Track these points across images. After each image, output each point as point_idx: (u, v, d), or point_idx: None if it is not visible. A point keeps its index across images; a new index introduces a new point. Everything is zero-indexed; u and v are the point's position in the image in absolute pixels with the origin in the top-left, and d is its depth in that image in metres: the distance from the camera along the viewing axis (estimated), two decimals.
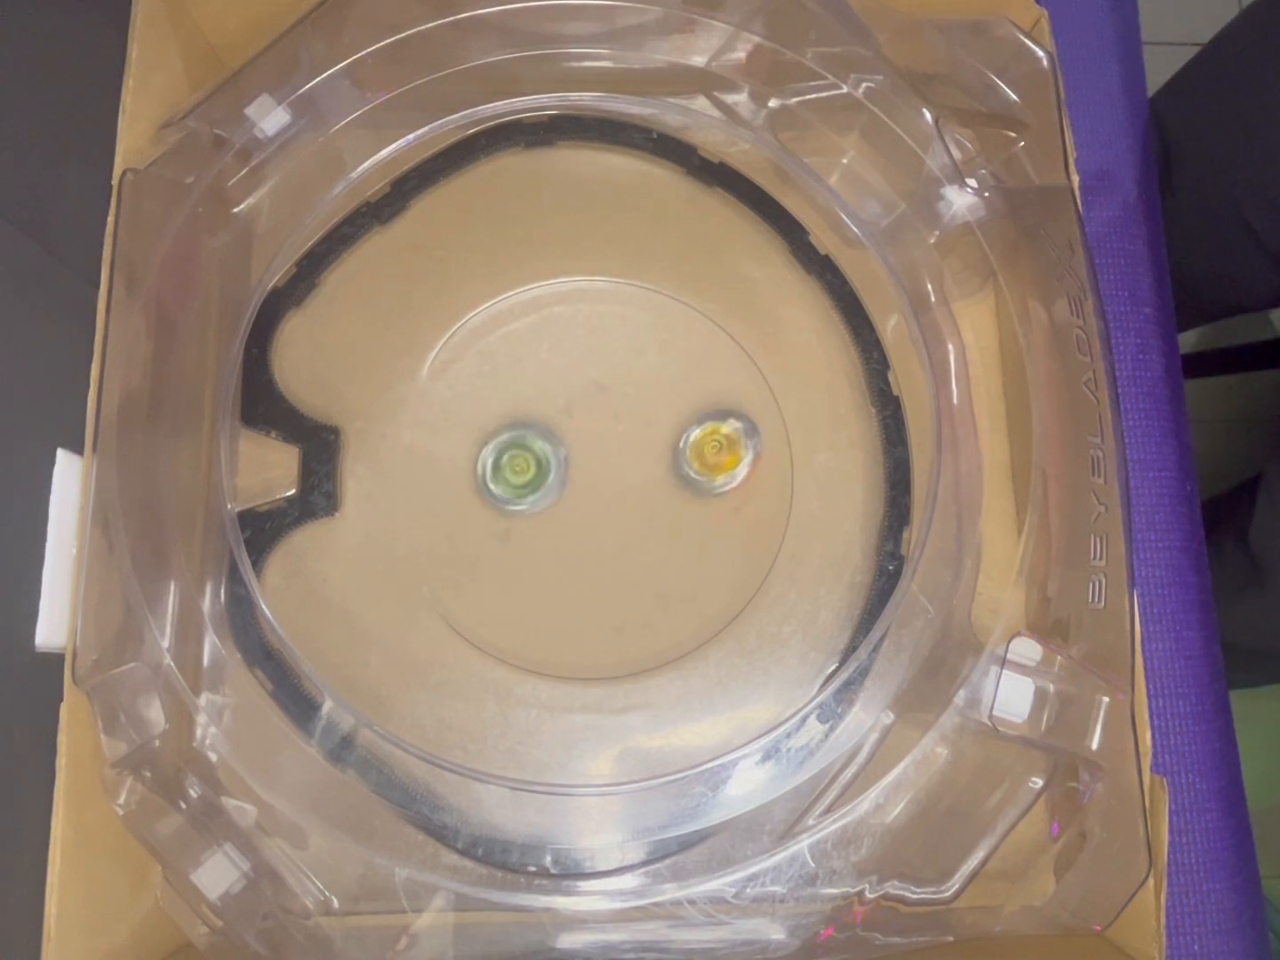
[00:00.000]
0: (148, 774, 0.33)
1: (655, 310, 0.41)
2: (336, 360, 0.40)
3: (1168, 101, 0.60)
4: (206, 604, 0.36)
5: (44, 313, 0.34)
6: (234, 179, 0.39)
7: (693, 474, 0.39)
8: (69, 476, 0.34)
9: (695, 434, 0.40)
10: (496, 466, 0.39)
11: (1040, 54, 0.39)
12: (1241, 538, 0.65)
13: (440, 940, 0.34)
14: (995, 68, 0.39)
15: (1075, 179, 0.38)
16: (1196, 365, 0.98)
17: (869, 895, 0.33)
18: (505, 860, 0.35)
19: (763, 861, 0.34)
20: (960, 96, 0.40)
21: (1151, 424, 0.44)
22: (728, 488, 0.40)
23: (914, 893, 0.33)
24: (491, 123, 0.41)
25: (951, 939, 0.33)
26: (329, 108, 0.39)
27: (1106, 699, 0.34)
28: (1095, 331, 0.36)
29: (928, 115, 0.38)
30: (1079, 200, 0.38)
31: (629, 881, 0.35)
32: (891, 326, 0.41)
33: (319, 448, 0.39)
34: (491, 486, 0.39)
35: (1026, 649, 0.34)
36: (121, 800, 0.32)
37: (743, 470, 0.39)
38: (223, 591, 0.37)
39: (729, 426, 0.40)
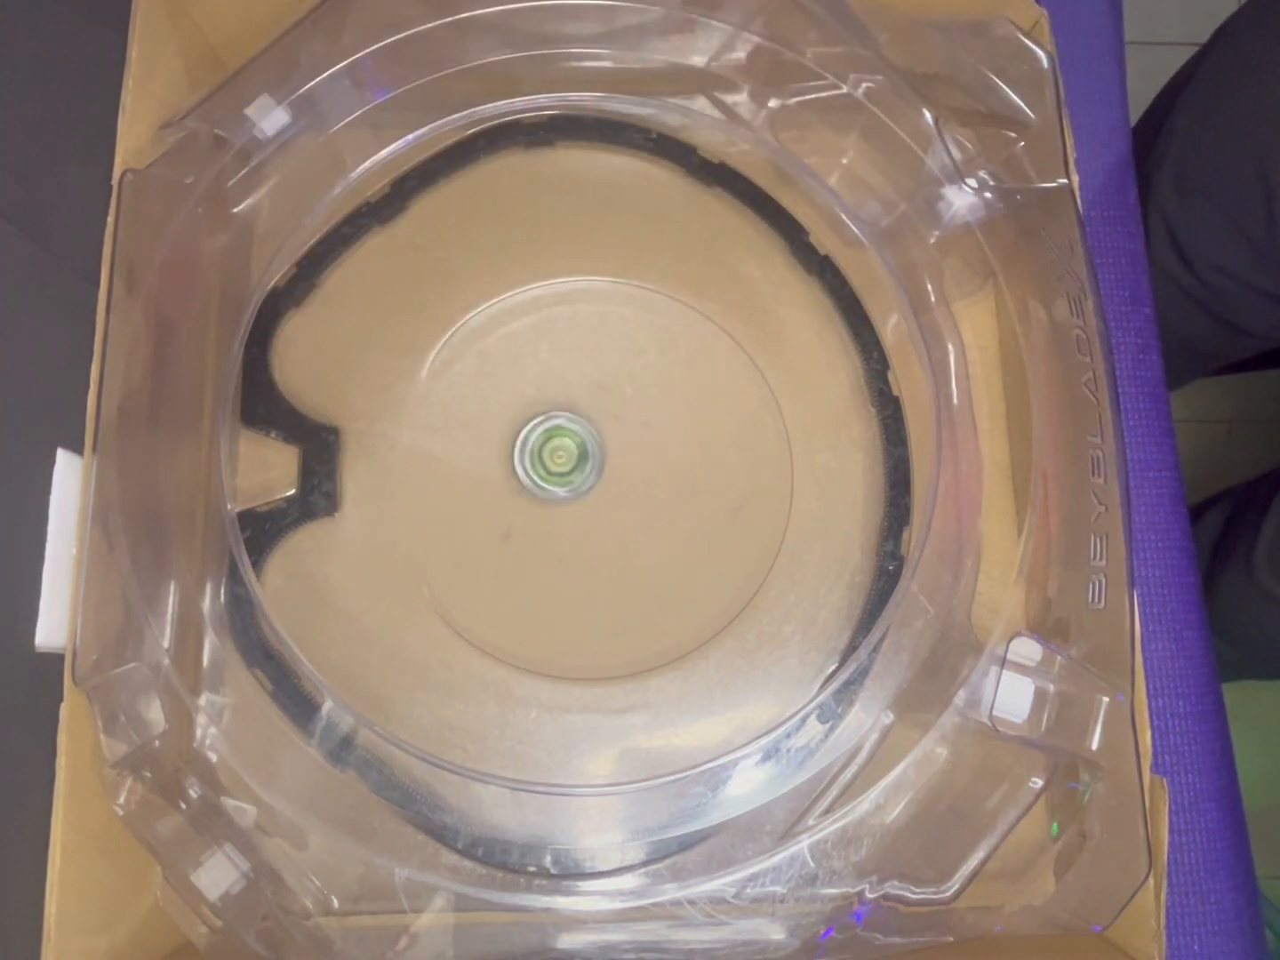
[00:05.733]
0: (148, 774, 0.33)
1: (655, 310, 0.41)
2: (336, 360, 0.40)
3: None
4: (206, 604, 0.36)
5: (44, 313, 0.34)
6: (234, 179, 0.39)
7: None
8: (69, 476, 0.34)
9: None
10: (537, 453, 0.39)
11: (1040, 54, 0.39)
12: None
13: (440, 940, 0.34)
14: (995, 68, 0.39)
15: (1075, 179, 0.38)
16: None
17: (869, 895, 0.33)
18: (505, 860, 0.35)
19: (763, 861, 0.34)
20: (960, 96, 0.40)
21: (1151, 424, 0.44)
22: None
23: (914, 893, 0.33)
24: (491, 123, 0.41)
25: (951, 939, 0.33)
26: (329, 108, 0.39)
27: (1106, 699, 0.34)
28: (1095, 331, 0.36)
29: (928, 115, 0.38)
30: (1079, 200, 0.38)
31: (629, 882, 0.35)
32: (891, 326, 0.41)
33: (319, 448, 0.39)
34: (531, 473, 0.39)
35: (1026, 649, 0.34)
36: (121, 800, 0.32)
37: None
38: (223, 591, 0.37)
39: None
